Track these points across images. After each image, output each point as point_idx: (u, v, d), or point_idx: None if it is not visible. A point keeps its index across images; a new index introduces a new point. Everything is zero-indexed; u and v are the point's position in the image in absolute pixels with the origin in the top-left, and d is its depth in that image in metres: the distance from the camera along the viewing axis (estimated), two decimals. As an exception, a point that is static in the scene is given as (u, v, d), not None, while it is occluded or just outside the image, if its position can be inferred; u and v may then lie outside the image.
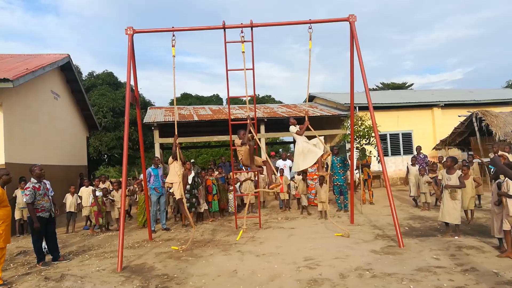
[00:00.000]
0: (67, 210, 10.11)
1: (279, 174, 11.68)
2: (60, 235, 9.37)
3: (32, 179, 6.72)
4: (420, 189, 10.23)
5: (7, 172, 6.07)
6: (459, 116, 15.48)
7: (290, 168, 12.48)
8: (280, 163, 12.72)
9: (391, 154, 17.68)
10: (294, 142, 8.46)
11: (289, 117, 8.29)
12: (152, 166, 9.86)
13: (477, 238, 6.77)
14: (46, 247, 7.46)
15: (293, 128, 8.03)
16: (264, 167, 8.07)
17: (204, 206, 10.33)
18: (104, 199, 9.91)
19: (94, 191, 9.92)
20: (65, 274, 5.94)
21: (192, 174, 10.05)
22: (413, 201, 10.88)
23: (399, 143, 17.98)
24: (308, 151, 7.77)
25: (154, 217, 9.49)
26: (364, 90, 7.63)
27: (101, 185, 10.54)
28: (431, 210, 9.92)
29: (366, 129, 11.74)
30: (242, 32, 7.77)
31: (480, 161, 11.33)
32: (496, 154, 8.94)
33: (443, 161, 9.52)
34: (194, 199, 9.89)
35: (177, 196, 9.03)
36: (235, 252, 6.83)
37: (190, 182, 9.84)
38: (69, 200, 10.13)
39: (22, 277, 5.98)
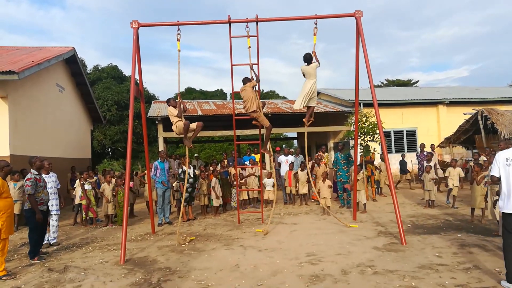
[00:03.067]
0: (76, 202, 10.03)
1: (288, 169, 11.72)
2: (64, 227, 9.45)
3: (33, 171, 6.64)
4: (425, 187, 10.20)
5: (8, 163, 6.06)
6: (464, 114, 15.39)
7: (292, 163, 12.45)
8: (282, 158, 12.71)
9: (395, 151, 17.62)
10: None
11: (312, 53, 7.96)
12: (159, 160, 9.87)
13: (479, 236, 6.75)
14: (48, 239, 7.51)
15: (315, 65, 7.94)
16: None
17: (220, 201, 10.40)
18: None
19: (83, 185, 9.77)
20: (68, 265, 5.98)
21: (191, 169, 10.05)
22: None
23: (403, 140, 17.90)
24: (313, 96, 7.97)
25: (160, 211, 9.53)
26: (369, 87, 7.59)
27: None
28: (434, 208, 9.89)
29: (370, 126, 11.70)
30: (247, 27, 7.74)
31: (486, 158, 11.26)
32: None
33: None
34: (194, 192, 9.93)
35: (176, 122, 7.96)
36: (238, 246, 6.85)
37: (192, 175, 9.85)
38: (78, 193, 9.94)
39: (26, 268, 6.04)
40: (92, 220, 9.83)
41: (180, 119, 7.83)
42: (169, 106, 8.03)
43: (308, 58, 7.97)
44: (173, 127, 7.92)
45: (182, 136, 8.01)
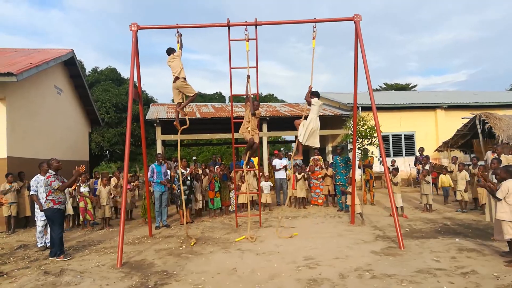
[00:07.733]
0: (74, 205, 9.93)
1: (283, 172, 11.72)
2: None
3: (51, 171, 6.84)
4: (422, 191, 10.20)
5: None
6: (462, 118, 15.42)
7: (286, 166, 12.42)
8: (276, 162, 12.68)
9: (393, 155, 17.63)
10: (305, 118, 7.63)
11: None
12: (155, 163, 9.84)
13: (477, 241, 6.74)
14: (45, 241, 7.48)
15: (318, 101, 7.61)
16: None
17: (199, 204, 10.41)
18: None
19: (79, 187, 9.72)
20: (64, 268, 5.95)
21: (188, 170, 10.02)
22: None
23: (401, 144, 17.92)
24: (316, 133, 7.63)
25: (158, 213, 9.50)
26: (367, 91, 7.59)
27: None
28: (432, 212, 9.89)
29: (368, 130, 11.71)
30: (246, 30, 7.74)
31: (483, 162, 11.28)
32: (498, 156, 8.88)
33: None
34: (191, 195, 9.90)
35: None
36: (235, 250, 6.82)
37: (189, 177, 9.84)
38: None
39: (22, 270, 6.00)
40: (87, 223, 9.78)
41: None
42: (171, 54, 7.86)
43: (313, 94, 7.69)
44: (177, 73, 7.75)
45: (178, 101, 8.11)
